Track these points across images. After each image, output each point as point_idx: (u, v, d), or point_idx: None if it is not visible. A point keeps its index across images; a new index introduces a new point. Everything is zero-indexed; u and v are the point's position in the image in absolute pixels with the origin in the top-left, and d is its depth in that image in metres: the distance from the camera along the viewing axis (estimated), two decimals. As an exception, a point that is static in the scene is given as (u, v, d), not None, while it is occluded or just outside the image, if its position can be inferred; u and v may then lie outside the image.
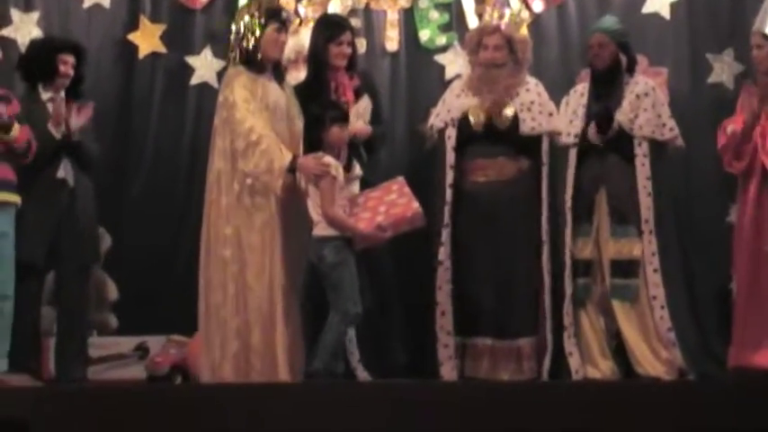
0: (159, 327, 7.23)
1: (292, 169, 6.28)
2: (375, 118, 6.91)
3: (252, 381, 6.33)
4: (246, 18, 6.57)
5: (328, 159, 6.24)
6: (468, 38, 7.20)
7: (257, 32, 6.53)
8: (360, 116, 6.75)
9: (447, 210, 6.91)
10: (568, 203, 6.87)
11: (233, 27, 6.70)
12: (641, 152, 6.83)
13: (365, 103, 6.85)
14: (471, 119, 6.94)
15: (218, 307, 6.43)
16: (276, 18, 6.58)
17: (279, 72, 6.70)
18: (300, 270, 6.38)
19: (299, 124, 6.55)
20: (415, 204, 6.29)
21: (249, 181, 6.38)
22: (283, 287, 6.42)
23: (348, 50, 6.83)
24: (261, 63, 6.53)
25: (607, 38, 6.93)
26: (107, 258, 7.40)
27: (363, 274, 6.54)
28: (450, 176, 6.95)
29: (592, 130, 6.84)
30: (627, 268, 6.78)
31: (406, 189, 6.39)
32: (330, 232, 6.21)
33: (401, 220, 6.27)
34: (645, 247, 6.78)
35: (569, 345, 6.79)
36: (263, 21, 6.53)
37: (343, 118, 6.40)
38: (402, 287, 7.10)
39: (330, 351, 6.13)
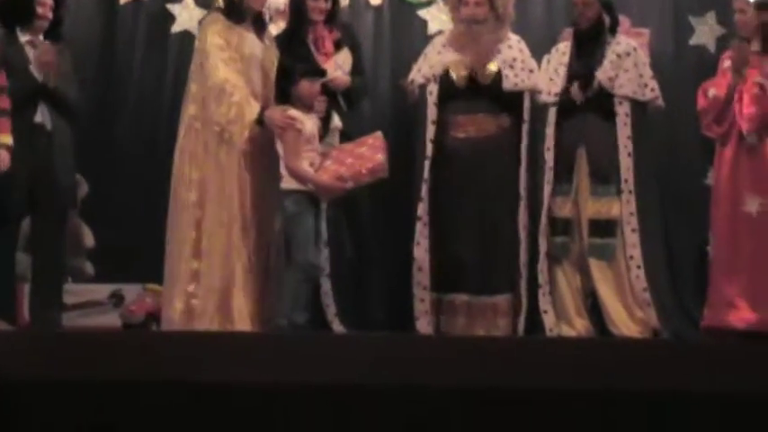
0: (135, 275, 7.23)
1: (260, 121, 6.32)
2: (355, 70, 6.93)
3: (208, 328, 6.38)
4: None
5: (294, 112, 6.28)
6: None
7: None
8: (339, 67, 6.77)
9: (427, 165, 6.90)
10: (549, 163, 6.88)
11: None
12: (622, 111, 6.84)
13: (345, 55, 6.88)
14: (453, 75, 6.93)
15: (179, 250, 6.48)
16: None
17: (260, 23, 6.69)
18: (272, 221, 6.45)
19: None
20: (379, 156, 6.29)
21: (217, 129, 6.41)
22: (247, 236, 6.47)
23: (325, 5, 6.82)
24: (241, 12, 6.53)
25: None
26: (84, 205, 7.39)
27: (342, 225, 6.57)
28: (430, 131, 6.94)
29: (574, 88, 6.83)
30: (605, 228, 6.80)
31: (379, 143, 6.40)
32: (293, 185, 6.25)
33: (362, 172, 6.29)
34: (623, 207, 6.81)
35: (544, 302, 6.82)
36: None
37: (314, 72, 6.42)
38: (381, 241, 7.10)
39: (288, 303, 6.22)
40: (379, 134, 6.50)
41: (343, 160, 6.34)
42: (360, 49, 7.12)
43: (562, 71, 6.94)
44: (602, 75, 6.83)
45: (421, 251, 6.88)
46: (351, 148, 6.46)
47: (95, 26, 7.83)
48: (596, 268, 6.83)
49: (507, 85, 6.93)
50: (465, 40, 7.00)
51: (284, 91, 6.39)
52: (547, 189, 6.87)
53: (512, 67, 6.96)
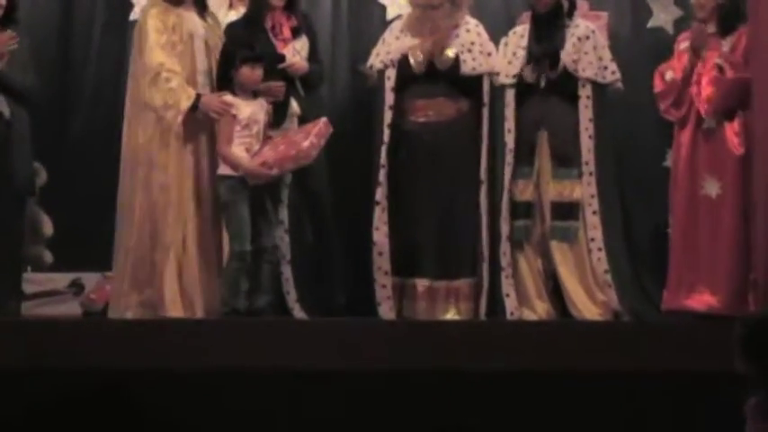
0: (94, 263, 7.19)
1: (196, 107, 6.38)
2: (313, 57, 6.91)
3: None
4: None
5: (229, 98, 6.35)
6: None
7: None
8: (297, 53, 6.77)
9: (383, 150, 6.91)
10: (509, 145, 6.88)
11: None
12: (584, 94, 6.87)
13: (303, 42, 6.87)
14: (411, 60, 6.92)
15: (127, 240, 6.54)
16: None
17: (201, 4, 6.72)
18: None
19: None
20: (305, 143, 6.33)
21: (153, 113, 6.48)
22: (194, 224, 6.53)
23: None
24: None
25: None
26: (42, 193, 7.31)
27: (303, 210, 6.58)
28: (388, 117, 6.94)
29: (527, 69, 6.83)
30: (567, 210, 6.81)
31: (317, 128, 6.42)
32: (227, 171, 6.34)
33: (286, 158, 6.34)
34: (584, 189, 6.83)
35: (506, 286, 6.83)
36: None
37: (255, 58, 6.43)
38: (342, 227, 7.10)
39: (227, 290, 6.33)
40: (322, 120, 6.50)
41: (277, 146, 6.39)
42: (317, 36, 7.10)
43: (520, 54, 6.94)
44: (566, 57, 6.84)
45: (381, 236, 6.88)
46: (291, 134, 6.51)
47: (53, 12, 7.75)
48: (558, 251, 6.84)
49: (465, 69, 6.93)
50: (421, 25, 7.00)
51: (226, 75, 6.43)
52: (507, 171, 6.88)
53: (470, 51, 6.96)
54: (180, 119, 6.40)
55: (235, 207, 6.32)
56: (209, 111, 6.37)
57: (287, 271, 6.84)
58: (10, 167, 6.54)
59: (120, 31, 7.64)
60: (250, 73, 6.40)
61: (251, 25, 6.80)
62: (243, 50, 6.46)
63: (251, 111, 6.38)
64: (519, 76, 6.89)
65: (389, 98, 6.96)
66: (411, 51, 6.93)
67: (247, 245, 6.30)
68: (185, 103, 6.39)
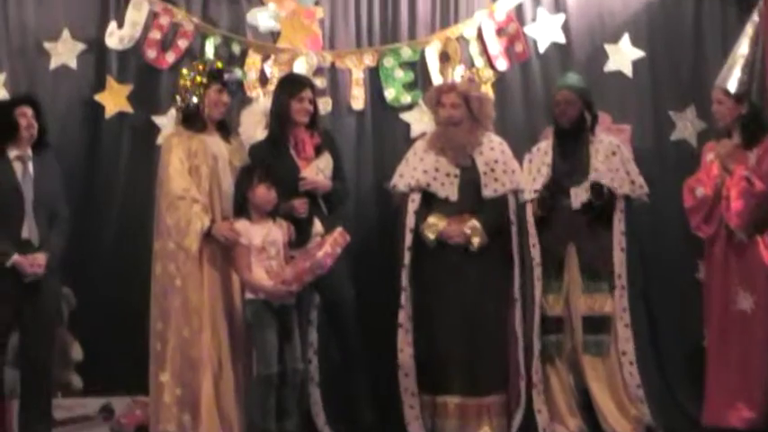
0: (124, 387, 7.20)
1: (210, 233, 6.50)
2: (336, 175, 6.95)
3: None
4: (189, 79, 6.74)
5: (239, 226, 6.42)
6: (428, 97, 7.27)
7: (199, 93, 6.69)
8: (320, 171, 6.80)
9: (405, 273, 6.95)
10: (536, 259, 6.88)
11: (178, 87, 6.83)
12: (618, 208, 6.87)
13: (326, 160, 6.90)
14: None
15: (158, 357, 6.60)
16: (218, 79, 6.76)
17: (224, 128, 6.84)
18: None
19: None
20: (320, 253, 6.34)
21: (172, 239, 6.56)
22: (227, 344, 6.57)
23: (309, 107, 6.88)
24: (202, 122, 6.70)
25: (574, 95, 6.99)
26: (72, 317, 7.37)
27: (330, 331, 6.59)
28: (408, 239, 6.98)
29: (577, 198, 6.85)
30: (598, 324, 6.77)
31: (331, 239, 6.43)
32: (251, 295, 6.40)
33: (302, 271, 6.35)
34: (616, 302, 6.80)
35: (538, 402, 6.78)
36: (205, 81, 6.69)
37: (270, 178, 6.48)
38: (368, 344, 7.08)
39: (256, 412, 6.32)
40: (338, 230, 6.52)
41: (296, 263, 6.41)
42: (340, 154, 7.15)
43: (545, 171, 6.96)
44: (605, 179, 6.84)
45: (405, 357, 6.90)
46: (310, 248, 6.52)
47: (82, 138, 7.85)
48: (589, 365, 6.80)
49: (487, 192, 6.99)
50: (443, 143, 7.06)
51: (243, 196, 6.48)
52: (537, 287, 6.87)
53: (493, 170, 7.02)
54: (196, 246, 6.49)
55: (260, 330, 6.34)
56: (219, 238, 6.46)
57: (315, 393, 6.85)
58: (39, 296, 6.59)
59: (147, 156, 7.71)
60: (265, 193, 6.45)
61: (274, 145, 6.86)
62: (258, 170, 6.52)
63: (264, 234, 6.41)
64: (544, 191, 6.90)
65: (411, 221, 6.99)
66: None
67: (273, 367, 6.29)
68: (199, 230, 6.48)
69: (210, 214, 6.58)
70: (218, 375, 6.53)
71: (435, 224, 6.92)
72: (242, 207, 6.50)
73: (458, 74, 7.47)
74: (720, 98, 6.86)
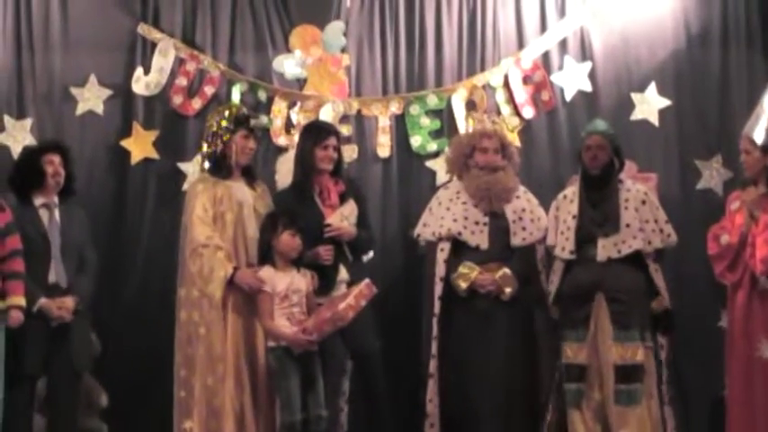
0: (150, 433, 7.21)
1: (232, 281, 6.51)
2: (361, 223, 6.94)
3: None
4: (215, 124, 6.73)
5: (263, 274, 6.41)
6: (460, 142, 7.22)
7: (226, 138, 6.68)
8: (345, 219, 6.80)
9: (435, 321, 6.91)
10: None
11: (204, 132, 6.83)
12: (651, 260, 6.86)
13: (351, 207, 6.89)
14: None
15: (182, 405, 6.60)
16: (244, 125, 6.75)
17: (250, 174, 6.84)
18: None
19: None
20: (342, 305, 6.31)
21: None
22: (250, 392, 6.55)
23: (334, 154, 6.88)
24: (228, 168, 6.69)
25: (605, 140, 6.93)
26: (97, 363, 7.35)
27: (359, 379, 6.58)
28: (439, 289, 6.95)
29: (604, 251, 6.81)
30: (630, 373, 6.71)
31: (357, 290, 6.41)
32: (273, 342, 6.38)
33: (323, 321, 6.33)
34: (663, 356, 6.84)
35: None
36: (231, 127, 6.69)
37: (295, 225, 6.47)
38: (395, 394, 7.07)
39: None
40: (364, 281, 6.50)
41: (319, 312, 6.40)
42: (365, 202, 7.14)
43: (572, 223, 6.89)
44: (638, 243, 6.80)
45: (432, 407, 6.88)
46: (335, 298, 6.51)
47: (109, 184, 7.88)
48: (619, 415, 6.72)
49: (516, 241, 6.99)
50: (484, 188, 7.02)
51: (267, 243, 6.47)
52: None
53: (521, 218, 7.01)
54: (219, 294, 6.49)
55: (283, 377, 6.33)
56: (242, 285, 6.47)
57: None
58: (67, 342, 6.60)
59: (173, 202, 7.71)
60: (290, 240, 6.44)
61: (299, 192, 6.86)
62: (282, 217, 6.51)
63: (288, 282, 6.41)
64: (576, 252, 6.85)
65: (441, 270, 6.96)
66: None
67: (297, 415, 6.27)
68: (223, 278, 6.47)
69: (234, 261, 6.58)
70: (240, 424, 6.51)
71: (468, 273, 6.90)
72: (267, 254, 6.49)
73: (479, 120, 7.46)
74: (748, 148, 6.82)
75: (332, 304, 6.40)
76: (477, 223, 6.98)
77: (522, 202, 7.09)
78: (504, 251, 6.96)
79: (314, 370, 6.41)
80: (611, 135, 6.99)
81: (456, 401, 6.87)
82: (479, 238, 6.96)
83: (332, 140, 6.89)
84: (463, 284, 6.89)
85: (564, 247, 6.88)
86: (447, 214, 7.06)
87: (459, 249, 6.99)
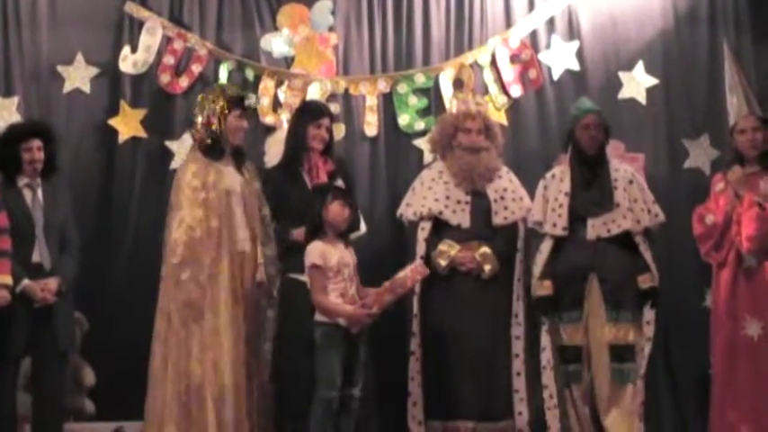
0: (136, 412, 7.16)
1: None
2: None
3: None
4: (209, 104, 6.67)
5: (315, 248, 6.31)
6: (444, 123, 7.23)
7: (219, 118, 6.63)
8: None
9: (415, 299, 6.94)
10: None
11: (196, 112, 6.77)
12: (641, 240, 6.84)
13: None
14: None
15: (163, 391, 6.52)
16: (238, 105, 6.70)
17: (239, 156, 6.77)
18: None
19: (264, 209, 6.70)
20: (401, 273, 6.33)
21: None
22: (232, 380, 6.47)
23: (326, 135, 6.90)
24: (220, 148, 6.63)
25: (601, 119, 6.90)
26: (84, 342, 7.36)
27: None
28: None
29: (593, 230, 6.80)
30: (624, 352, 6.70)
31: (413, 266, 6.46)
32: (322, 318, 6.30)
33: (381, 293, 6.30)
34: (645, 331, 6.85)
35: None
36: (225, 107, 6.63)
37: (343, 195, 6.46)
38: (380, 373, 7.10)
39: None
40: (419, 261, 6.64)
41: (377, 290, 6.37)
42: (354, 182, 7.17)
43: (564, 201, 6.85)
44: (631, 226, 6.79)
45: (415, 386, 6.93)
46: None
47: (95, 166, 7.88)
48: (612, 393, 6.70)
49: (497, 220, 7.00)
50: (466, 169, 7.04)
51: (318, 215, 6.39)
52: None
53: (503, 198, 7.03)
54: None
55: (327, 353, 6.26)
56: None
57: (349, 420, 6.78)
58: (51, 321, 6.60)
59: (160, 181, 7.72)
60: (340, 210, 6.38)
61: (288, 169, 6.90)
62: (333, 189, 6.49)
63: (339, 256, 6.36)
64: (568, 228, 6.82)
65: (421, 248, 6.99)
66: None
67: (335, 392, 6.23)
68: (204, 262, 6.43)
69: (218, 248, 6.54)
70: (220, 404, 6.45)
71: (447, 251, 6.92)
72: (317, 227, 6.40)
73: (462, 101, 7.45)
74: (756, 125, 6.80)
75: (391, 280, 6.37)
76: (459, 202, 7.00)
77: (505, 182, 7.10)
78: (485, 230, 6.98)
79: (360, 350, 6.38)
80: (602, 114, 6.96)
81: (438, 377, 6.89)
82: (461, 216, 6.98)
83: (325, 121, 6.93)
84: (443, 262, 6.90)
85: (556, 223, 6.84)
86: (429, 194, 7.07)
87: (442, 228, 7.01)
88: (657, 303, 6.82)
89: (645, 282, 6.77)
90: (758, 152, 6.79)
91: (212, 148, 6.62)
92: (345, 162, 7.33)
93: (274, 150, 7.30)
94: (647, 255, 6.82)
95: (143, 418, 6.98)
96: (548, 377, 6.84)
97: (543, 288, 6.83)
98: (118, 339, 7.57)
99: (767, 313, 6.62)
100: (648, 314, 6.85)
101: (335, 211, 6.37)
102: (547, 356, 6.85)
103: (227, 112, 6.63)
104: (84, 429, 7.24)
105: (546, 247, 6.87)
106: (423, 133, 7.92)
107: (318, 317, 6.32)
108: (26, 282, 6.50)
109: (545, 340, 6.86)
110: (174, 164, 7.70)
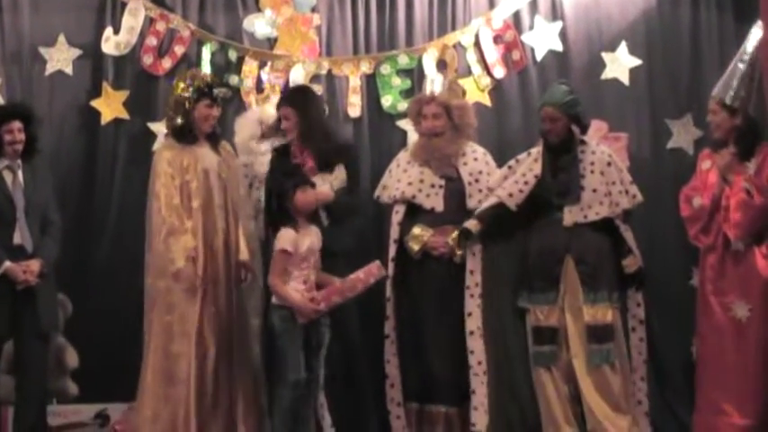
0: (120, 394, 7.18)
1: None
2: (348, 188, 6.93)
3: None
4: (179, 92, 6.71)
5: (286, 235, 6.31)
6: (410, 109, 7.28)
7: (189, 107, 6.66)
8: (326, 183, 6.78)
9: (389, 284, 6.94)
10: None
11: (169, 100, 6.82)
12: (620, 223, 6.85)
13: (338, 172, 6.89)
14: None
15: (152, 373, 6.58)
16: (207, 94, 6.71)
17: (214, 138, 6.81)
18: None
19: (241, 189, 6.85)
20: (352, 276, 6.35)
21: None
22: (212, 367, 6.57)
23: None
24: (192, 135, 6.68)
25: (557, 111, 6.87)
26: (68, 324, 7.35)
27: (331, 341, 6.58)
28: (392, 251, 6.99)
29: (570, 216, 6.80)
30: (602, 333, 6.72)
31: (367, 268, 6.42)
32: (279, 301, 6.31)
33: (332, 292, 6.33)
34: (635, 316, 6.91)
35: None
36: (194, 96, 6.66)
37: (304, 181, 6.44)
38: (367, 354, 7.09)
39: (283, 419, 6.27)
40: (376, 263, 6.49)
41: (332, 285, 6.38)
42: (358, 169, 7.13)
43: (531, 180, 6.87)
44: (604, 209, 6.79)
45: (392, 368, 6.96)
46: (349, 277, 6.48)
47: (78, 148, 7.87)
48: (592, 374, 6.73)
49: (471, 203, 6.99)
50: (425, 154, 7.06)
51: (283, 209, 6.38)
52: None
53: (477, 180, 7.03)
54: (182, 264, 6.50)
55: (289, 336, 6.27)
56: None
57: (321, 397, 6.79)
58: (34, 303, 6.59)
59: (143, 162, 7.63)
60: (304, 196, 6.37)
61: (279, 155, 6.97)
62: (288, 179, 6.46)
63: (309, 242, 6.37)
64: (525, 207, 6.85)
65: (395, 232, 7.01)
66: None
67: (302, 373, 6.25)
68: (184, 249, 6.50)
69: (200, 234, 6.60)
70: (199, 390, 6.52)
71: (420, 235, 6.93)
72: (284, 219, 6.39)
73: (438, 84, 7.47)
74: (715, 109, 6.81)
75: (343, 280, 6.39)
76: (432, 186, 7.01)
77: (480, 164, 7.10)
78: (459, 214, 6.98)
79: (320, 338, 6.40)
80: (564, 104, 6.87)
81: (412, 361, 6.93)
82: (435, 200, 6.99)
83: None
84: (415, 247, 6.92)
85: (512, 194, 6.85)
86: (404, 177, 7.09)
87: (416, 212, 7.02)
88: (644, 284, 6.83)
89: (630, 265, 6.78)
90: (720, 136, 6.78)
91: (184, 135, 6.67)
92: (354, 148, 7.37)
93: (243, 130, 7.30)
94: (629, 236, 6.83)
95: (126, 399, 7.04)
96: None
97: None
98: (101, 321, 7.56)
99: (754, 296, 6.61)
100: (637, 296, 6.86)
101: (300, 198, 6.36)
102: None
103: (195, 100, 6.66)
104: (67, 411, 7.25)
105: (489, 202, 6.89)
106: (406, 114, 7.84)
107: (275, 300, 6.35)
108: (8, 264, 6.49)
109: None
110: (157, 145, 7.65)
